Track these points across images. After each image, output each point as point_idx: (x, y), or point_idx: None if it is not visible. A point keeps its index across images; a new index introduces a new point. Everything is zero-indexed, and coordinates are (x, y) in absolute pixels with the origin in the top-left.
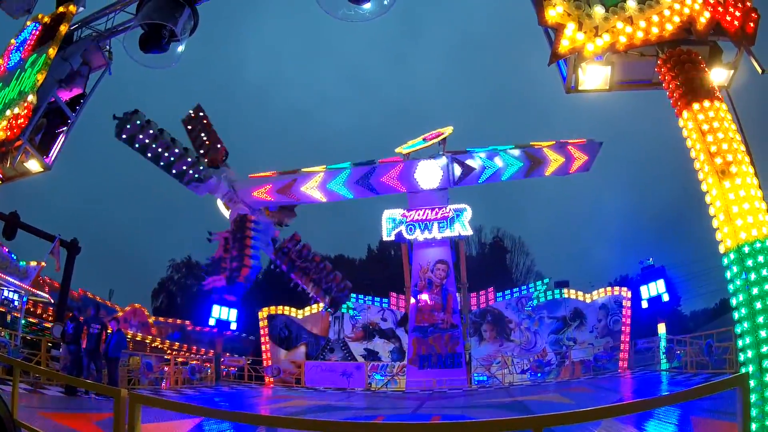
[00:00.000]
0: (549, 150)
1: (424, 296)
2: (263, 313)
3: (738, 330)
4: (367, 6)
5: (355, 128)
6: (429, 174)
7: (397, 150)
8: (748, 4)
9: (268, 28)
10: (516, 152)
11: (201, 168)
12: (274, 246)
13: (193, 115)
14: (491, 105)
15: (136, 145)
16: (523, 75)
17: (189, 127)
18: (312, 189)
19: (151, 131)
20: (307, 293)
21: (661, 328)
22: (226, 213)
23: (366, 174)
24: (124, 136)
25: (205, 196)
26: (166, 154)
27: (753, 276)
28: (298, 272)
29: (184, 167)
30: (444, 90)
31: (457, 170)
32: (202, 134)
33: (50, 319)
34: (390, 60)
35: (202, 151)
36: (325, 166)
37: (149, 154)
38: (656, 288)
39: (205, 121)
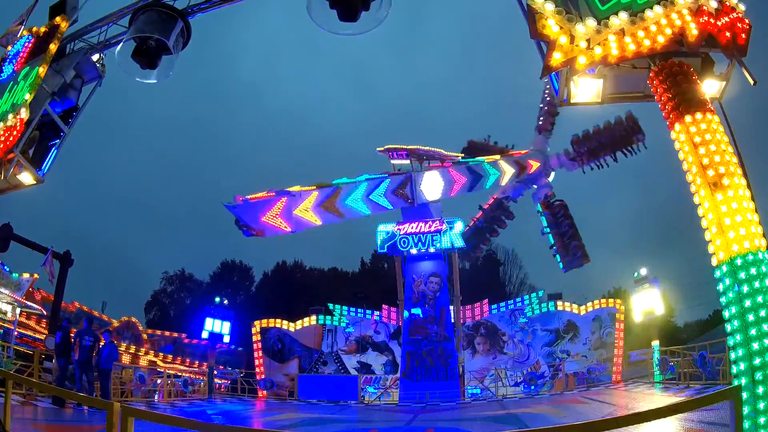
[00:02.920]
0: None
1: (417, 309)
2: (256, 326)
3: (730, 342)
4: (357, 23)
5: (353, 130)
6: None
7: None
8: (740, 15)
9: (264, 23)
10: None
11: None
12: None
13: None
14: (496, 104)
15: None
16: (529, 72)
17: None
18: None
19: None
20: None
21: (655, 340)
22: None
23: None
24: None
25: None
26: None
27: (745, 288)
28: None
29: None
30: (448, 89)
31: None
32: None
33: (43, 330)
34: (392, 58)
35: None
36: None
37: None
38: (649, 300)
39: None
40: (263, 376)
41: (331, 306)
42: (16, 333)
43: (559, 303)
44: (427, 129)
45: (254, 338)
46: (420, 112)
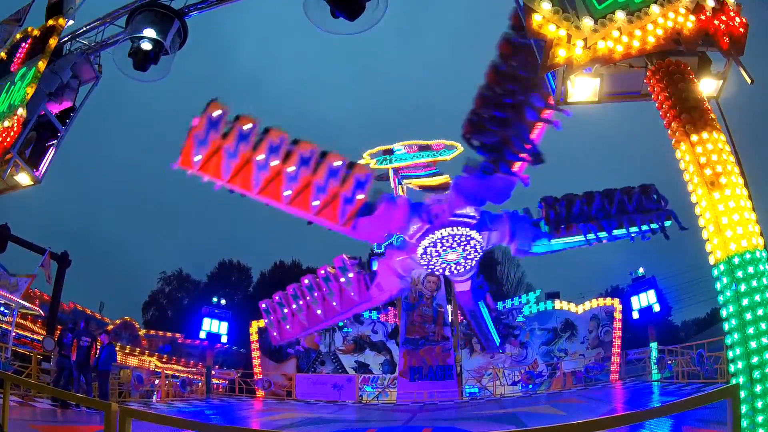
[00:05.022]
0: None
1: (415, 308)
2: (254, 326)
3: (728, 341)
4: (354, 22)
5: (356, 116)
6: None
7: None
8: (737, 14)
9: (263, 9)
10: None
11: None
12: None
13: None
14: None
15: None
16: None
17: None
18: None
19: None
20: None
21: (652, 339)
22: None
23: None
24: None
25: None
26: None
27: (743, 287)
28: None
29: None
30: (454, 76)
31: None
32: None
33: (41, 330)
34: (396, 43)
35: None
36: None
37: None
38: (647, 298)
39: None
40: (261, 376)
41: None
42: (14, 334)
43: (557, 302)
44: (432, 116)
45: (252, 338)
46: (425, 98)
